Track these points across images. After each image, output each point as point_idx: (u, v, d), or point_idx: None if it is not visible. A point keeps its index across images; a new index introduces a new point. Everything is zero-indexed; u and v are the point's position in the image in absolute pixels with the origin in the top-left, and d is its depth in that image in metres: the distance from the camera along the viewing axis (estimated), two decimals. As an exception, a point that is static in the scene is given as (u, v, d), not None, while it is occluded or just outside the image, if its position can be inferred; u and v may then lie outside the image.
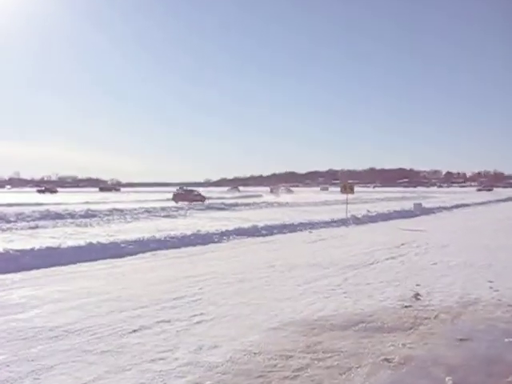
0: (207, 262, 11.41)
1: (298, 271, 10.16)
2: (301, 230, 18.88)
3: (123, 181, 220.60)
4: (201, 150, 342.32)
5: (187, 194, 50.29)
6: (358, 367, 4.88)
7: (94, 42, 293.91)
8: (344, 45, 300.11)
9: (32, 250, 11.54)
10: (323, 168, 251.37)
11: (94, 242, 13.09)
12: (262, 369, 4.85)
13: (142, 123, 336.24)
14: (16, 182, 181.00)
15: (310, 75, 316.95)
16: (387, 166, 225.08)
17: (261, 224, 18.97)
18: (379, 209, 30.47)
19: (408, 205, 33.94)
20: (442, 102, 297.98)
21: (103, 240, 13.70)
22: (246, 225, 18.80)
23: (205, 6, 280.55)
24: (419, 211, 29.54)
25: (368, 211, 26.84)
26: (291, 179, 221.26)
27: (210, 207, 36.88)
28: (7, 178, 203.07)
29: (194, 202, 44.05)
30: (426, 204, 35.89)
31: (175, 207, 34.52)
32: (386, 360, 5.05)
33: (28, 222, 22.44)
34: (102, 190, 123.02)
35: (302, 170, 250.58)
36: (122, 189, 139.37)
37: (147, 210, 30.57)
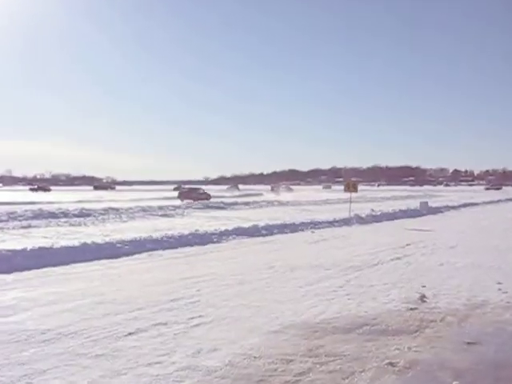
0: (206, 263, 11.42)
1: (299, 272, 10.16)
2: (302, 230, 18.88)
3: (119, 179, 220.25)
4: (199, 148, 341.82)
5: (192, 192, 52.07)
6: (361, 371, 4.89)
7: (94, 42, 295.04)
8: (346, 40, 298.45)
9: (24, 250, 11.55)
10: (326, 166, 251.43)
11: (89, 242, 13.10)
12: (262, 373, 4.85)
13: (138, 120, 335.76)
14: (8, 180, 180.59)
15: (312, 71, 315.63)
16: (392, 164, 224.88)
17: (261, 223, 18.99)
18: (384, 208, 30.50)
19: (414, 204, 33.96)
20: (450, 98, 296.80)
21: (98, 240, 13.71)
22: (245, 224, 18.82)
23: (207, 4, 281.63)
24: (426, 210, 29.56)
25: (372, 210, 26.87)
26: (293, 177, 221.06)
27: (208, 206, 36.86)
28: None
29: (199, 201, 44.39)
30: (433, 203, 35.93)
31: (172, 206, 34.47)
32: (391, 364, 5.05)
33: (20, 221, 22.42)
34: (96, 188, 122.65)
35: (304, 168, 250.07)
36: (118, 187, 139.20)
37: (143, 209, 30.58)
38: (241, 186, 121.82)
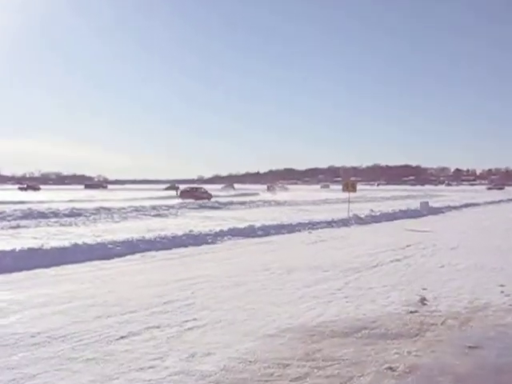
0: (200, 265, 11.41)
1: (296, 274, 10.17)
2: (300, 231, 18.88)
3: (111, 178, 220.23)
4: (194, 146, 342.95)
5: (194, 192, 54.24)
6: (360, 376, 4.89)
7: (94, 41, 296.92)
8: (346, 39, 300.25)
9: (13, 251, 11.51)
10: (324, 165, 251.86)
11: (80, 242, 13.07)
12: (257, 378, 4.85)
13: (131, 119, 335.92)
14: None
15: (311, 69, 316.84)
16: (392, 163, 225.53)
17: (257, 224, 18.98)
18: (383, 208, 30.55)
19: (414, 204, 34.02)
20: (451, 96, 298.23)
21: (89, 241, 13.68)
22: (241, 225, 18.82)
23: (207, 3, 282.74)
24: (426, 211, 29.60)
25: (371, 210, 26.90)
26: (290, 176, 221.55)
27: (203, 206, 36.86)
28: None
29: (201, 200, 45.28)
30: (434, 203, 35.99)
31: (166, 206, 34.45)
32: (390, 369, 5.06)
33: (9, 221, 22.37)
34: (87, 187, 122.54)
35: (301, 167, 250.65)
36: (110, 186, 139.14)
37: (136, 209, 30.59)
38: (236, 186, 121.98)
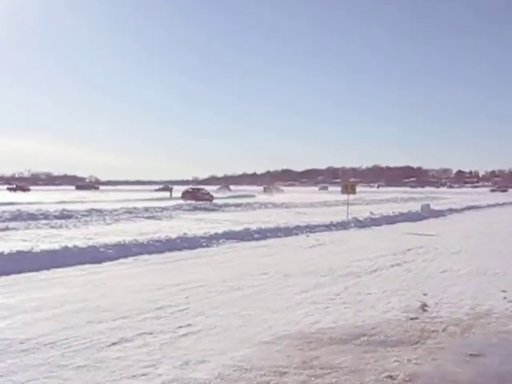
0: (194, 269, 11.41)
1: (293, 279, 10.18)
2: (297, 234, 18.89)
3: (102, 178, 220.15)
4: (188, 147, 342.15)
5: (196, 193, 56.31)
6: (358, 385, 4.90)
7: (94, 40, 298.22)
8: (346, 37, 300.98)
9: (1, 254, 11.48)
10: (322, 166, 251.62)
11: (70, 245, 13.06)
12: (253, 386, 4.86)
13: (123, 118, 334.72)
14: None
15: (310, 68, 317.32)
16: (392, 164, 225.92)
17: (253, 227, 18.99)
18: (383, 211, 30.55)
19: (415, 206, 34.10)
20: (453, 96, 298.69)
21: (80, 243, 13.67)
22: (237, 227, 18.83)
23: (210, 3, 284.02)
24: (427, 213, 29.65)
25: (371, 213, 26.90)
26: (287, 178, 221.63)
27: (197, 208, 36.87)
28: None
29: (202, 201, 46.19)
30: (435, 206, 36.05)
31: (159, 207, 34.47)
32: (390, 377, 5.06)
33: (-3, 223, 22.33)
34: (79, 188, 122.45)
35: (299, 168, 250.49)
36: (102, 187, 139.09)
37: (129, 211, 30.54)
38: (232, 187, 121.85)
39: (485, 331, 6.68)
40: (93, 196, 65.38)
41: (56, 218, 25.52)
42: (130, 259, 12.66)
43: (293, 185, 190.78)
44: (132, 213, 29.73)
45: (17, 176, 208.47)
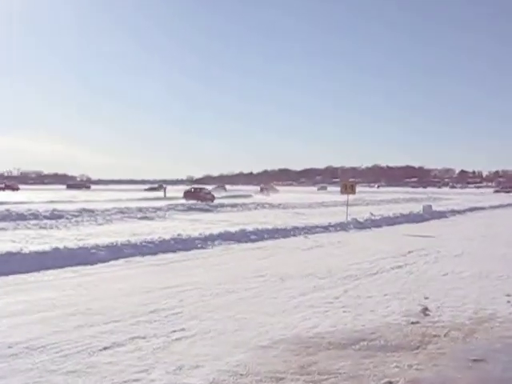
0: (188, 271, 11.41)
1: (291, 282, 10.18)
2: (295, 235, 18.90)
3: (94, 177, 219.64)
4: (183, 145, 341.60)
5: (198, 193, 57.63)
6: (357, 391, 4.91)
7: (93, 40, 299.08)
8: (346, 34, 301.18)
9: (-11, 255, 11.48)
10: (321, 165, 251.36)
11: (61, 246, 13.03)
12: (249, 392, 4.86)
13: (116, 116, 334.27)
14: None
15: (309, 66, 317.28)
16: (393, 164, 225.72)
17: (250, 228, 19.00)
18: (384, 212, 30.60)
19: (417, 207, 34.13)
20: (456, 94, 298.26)
21: (71, 245, 13.65)
22: (232, 228, 18.80)
23: (210, 3, 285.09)
24: (429, 215, 29.70)
25: (371, 214, 26.93)
26: (285, 177, 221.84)
27: (192, 208, 36.82)
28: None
29: (204, 201, 46.77)
30: (437, 207, 36.13)
31: (153, 207, 34.40)
32: (390, 383, 5.07)
33: (-16, 223, 22.28)
34: (70, 187, 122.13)
35: (297, 167, 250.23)
36: (93, 186, 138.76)
37: (121, 211, 30.43)
38: (228, 187, 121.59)
39: (488, 336, 6.69)
40: (84, 195, 65.16)
41: (46, 218, 25.43)
42: (123, 261, 12.64)
43: (290, 184, 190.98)
44: (125, 213, 29.63)
45: (6, 175, 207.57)
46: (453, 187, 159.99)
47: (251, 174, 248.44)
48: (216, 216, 30.77)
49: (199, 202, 44.77)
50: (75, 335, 6.48)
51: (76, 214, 27.62)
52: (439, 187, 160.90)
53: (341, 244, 16.73)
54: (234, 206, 40.35)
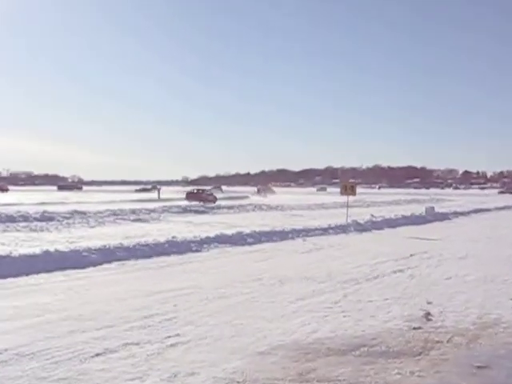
0: (184, 275, 11.40)
1: (289, 286, 10.18)
2: (293, 238, 18.88)
3: (86, 178, 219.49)
4: (178, 145, 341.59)
5: (201, 194, 59.57)
6: (358, 398, 4.91)
7: (91, 41, 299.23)
8: (346, 33, 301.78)
9: (-23, 258, 11.46)
10: (320, 165, 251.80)
11: (52, 249, 13.01)
12: (246, 400, 4.86)
13: (109, 115, 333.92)
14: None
15: (309, 65, 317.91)
16: (395, 164, 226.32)
17: (247, 230, 18.99)
18: (385, 213, 30.60)
19: (419, 209, 34.14)
20: (459, 93, 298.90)
21: (62, 247, 13.63)
22: (229, 231, 18.79)
23: (209, 3, 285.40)
24: (432, 216, 29.70)
25: (372, 216, 26.95)
26: (283, 178, 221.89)
27: (187, 210, 36.84)
28: None
29: (207, 203, 48.30)
30: (440, 208, 36.17)
31: (147, 209, 34.39)
32: (391, 390, 5.07)
33: (-27, 225, 22.24)
34: (61, 188, 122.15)
35: (296, 168, 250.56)
36: (85, 187, 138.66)
37: (114, 213, 30.42)
38: (224, 188, 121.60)
39: (492, 342, 6.69)
40: (76, 197, 65.23)
41: (36, 220, 25.42)
42: (115, 264, 12.62)
43: (289, 185, 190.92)
44: (117, 215, 29.64)
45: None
46: (456, 188, 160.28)
47: (248, 174, 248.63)
48: (212, 218, 30.78)
49: (198, 203, 45.89)
50: (66, 341, 6.47)
51: (67, 216, 27.62)
52: (442, 188, 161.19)
53: (341, 246, 16.74)
54: (230, 207, 40.41)
